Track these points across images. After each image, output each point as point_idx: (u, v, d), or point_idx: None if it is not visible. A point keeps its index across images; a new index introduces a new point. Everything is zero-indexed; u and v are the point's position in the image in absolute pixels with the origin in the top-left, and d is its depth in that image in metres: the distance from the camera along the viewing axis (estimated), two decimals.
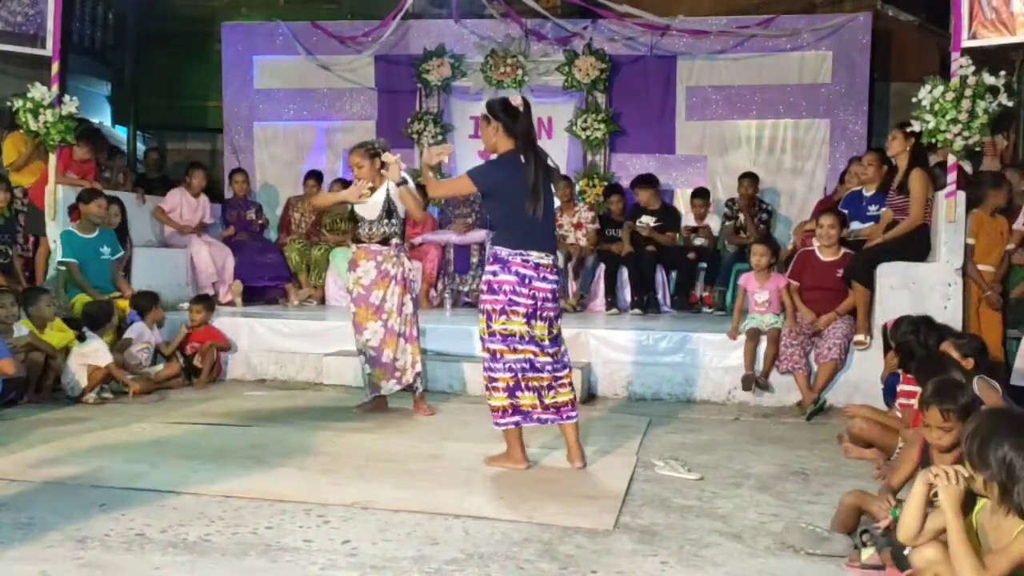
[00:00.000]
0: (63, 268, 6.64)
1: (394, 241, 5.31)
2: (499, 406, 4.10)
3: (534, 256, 4.07)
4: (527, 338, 4.06)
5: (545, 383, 4.11)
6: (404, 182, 5.05)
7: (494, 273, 4.06)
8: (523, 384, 4.08)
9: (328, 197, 5.38)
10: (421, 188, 5.24)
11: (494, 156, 4.22)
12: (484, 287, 4.11)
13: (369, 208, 5.29)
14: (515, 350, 4.06)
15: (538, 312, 4.08)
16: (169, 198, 8.24)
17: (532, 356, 4.08)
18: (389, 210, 5.27)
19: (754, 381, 5.89)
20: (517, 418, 4.10)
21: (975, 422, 2.53)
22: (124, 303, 6.60)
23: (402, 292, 5.30)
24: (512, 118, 4.14)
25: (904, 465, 3.38)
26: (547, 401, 4.12)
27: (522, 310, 4.05)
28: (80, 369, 5.73)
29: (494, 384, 4.09)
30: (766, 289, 6.01)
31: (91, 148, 7.57)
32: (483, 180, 4.17)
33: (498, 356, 4.07)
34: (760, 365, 5.94)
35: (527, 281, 4.05)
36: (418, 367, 5.40)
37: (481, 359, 4.22)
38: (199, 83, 10.42)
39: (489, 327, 4.07)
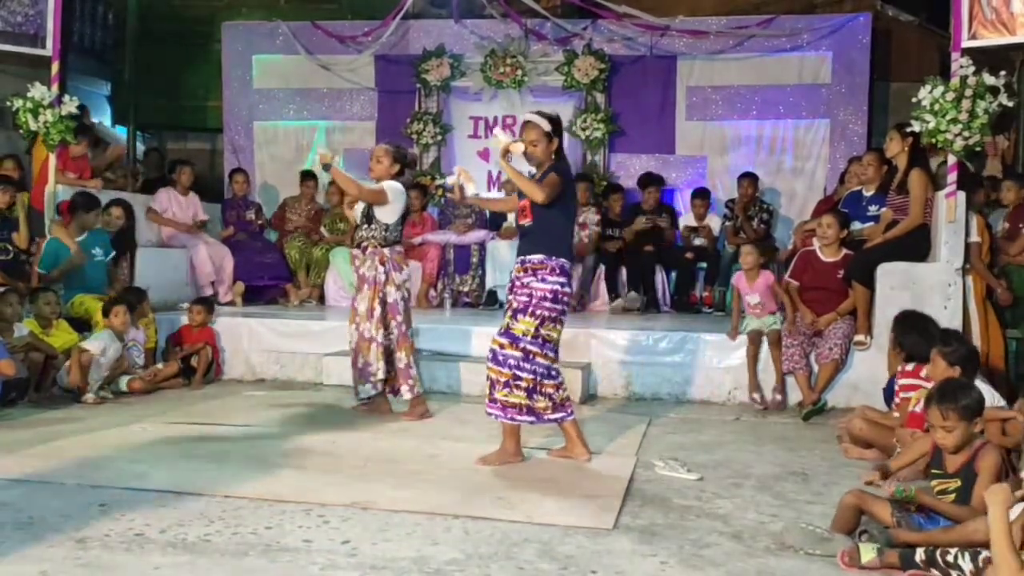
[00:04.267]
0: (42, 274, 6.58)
1: (363, 244, 5.30)
2: (517, 403, 4.19)
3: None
4: (554, 345, 4.26)
5: (555, 387, 4.25)
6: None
7: (562, 284, 4.20)
8: (539, 389, 4.21)
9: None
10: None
11: (535, 167, 4.32)
12: (549, 295, 4.16)
13: (356, 212, 5.39)
14: (546, 356, 4.23)
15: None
16: (158, 199, 8.19)
17: (551, 363, 4.26)
18: (368, 215, 5.28)
19: (766, 401, 5.83)
20: (532, 418, 4.23)
21: None
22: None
23: (372, 296, 5.26)
24: (562, 137, 4.36)
25: (909, 453, 3.38)
26: (557, 401, 4.26)
27: (565, 319, 4.29)
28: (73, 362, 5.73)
29: (517, 382, 4.17)
30: (755, 291, 6.01)
31: (86, 144, 7.55)
32: (568, 182, 4.27)
33: (531, 357, 4.18)
34: (762, 369, 5.90)
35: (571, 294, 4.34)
36: (381, 374, 5.26)
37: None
38: (199, 83, 10.40)
39: (537, 331, 4.17)
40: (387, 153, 5.35)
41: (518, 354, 4.16)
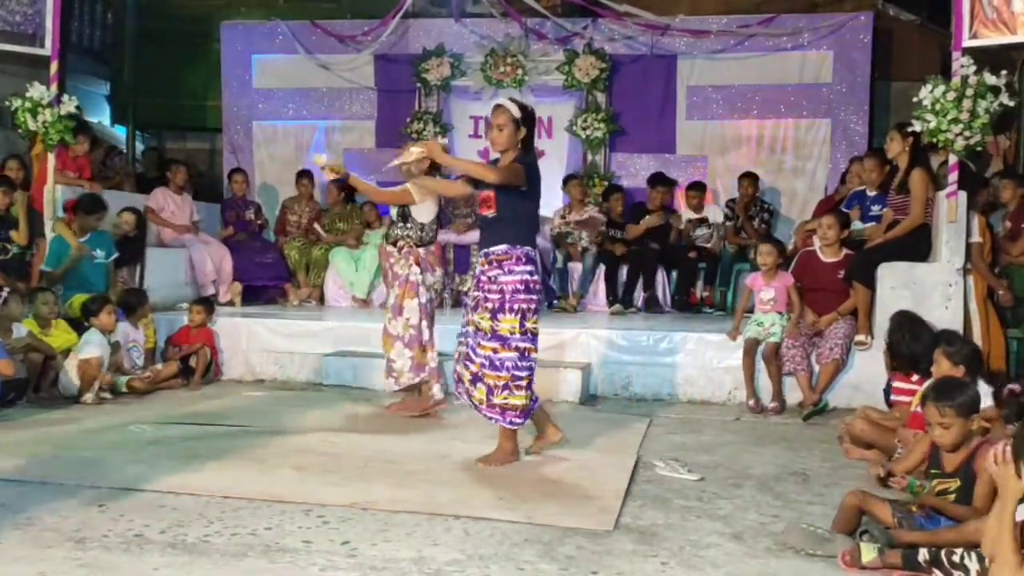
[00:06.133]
0: (47, 272, 6.57)
1: (399, 243, 5.30)
2: (521, 404, 4.15)
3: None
4: (537, 337, 4.23)
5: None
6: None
7: (531, 273, 4.13)
8: (532, 383, 4.22)
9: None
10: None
11: (500, 155, 4.23)
12: (520, 286, 4.10)
13: (392, 209, 5.43)
14: (536, 348, 4.21)
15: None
16: (154, 197, 8.17)
17: (536, 355, 4.24)
18: (403, 214, 5.29)
19: (762, 406, 5.79)
20: (525, 417, 4.23)
21: None
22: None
23: (402, 295, 5.26)
24: (534, 130, 4.26)
25: (913, 455, 3.37)
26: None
27: (540, 308, 4.25)
28: (73, 368, 5.70)
29: (518, 383, 4.12)
30: (772, 287, 5.97)
31: (87, 143, 7.55)
32: (533, 175, 4.18)
33: (526, 354, 4.14)
34: (760, 382, 5.87)
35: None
36: (407, 373, 5.27)
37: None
38: (198, 82, 10.39)
39: (523, 326, 4.11)
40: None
41: (513, 355, 4.11)
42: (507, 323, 4.10)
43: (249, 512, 3.40)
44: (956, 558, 2.70)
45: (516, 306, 4.10)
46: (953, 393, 3.17)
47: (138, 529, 3.18)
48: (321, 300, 8.58)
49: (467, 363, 4.24)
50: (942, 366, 4.02)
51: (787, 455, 4.58)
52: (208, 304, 6.84)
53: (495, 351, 4.12)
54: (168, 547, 3.01)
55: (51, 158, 6.93)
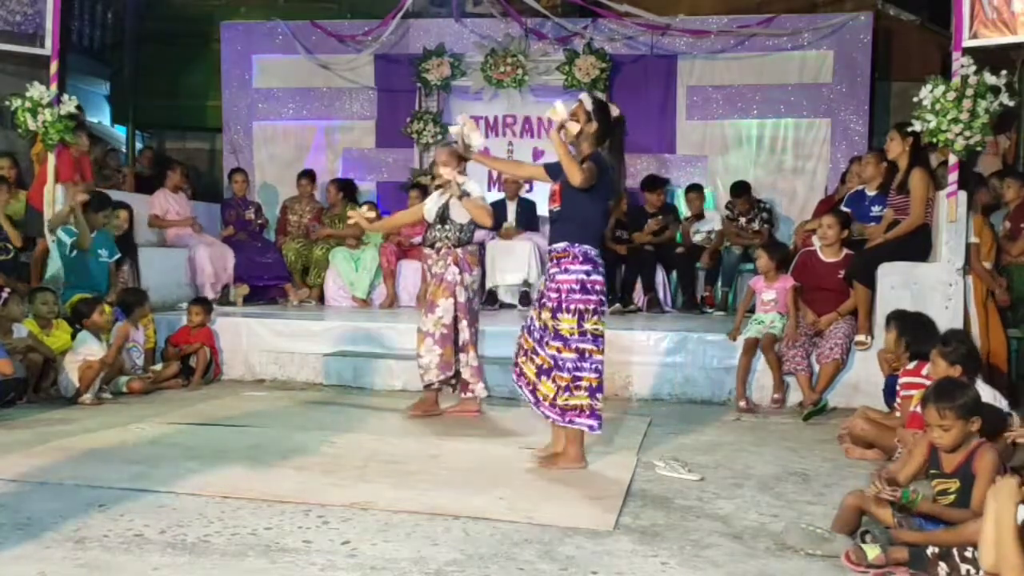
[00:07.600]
0: (72, 255, 6.55)
1: (437, 245, 5.29)
2: (578, 405, 4.05)
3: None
4: (603, 340, 4.12)
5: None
6: (465, 194, 5.08)
7: (587, 273, 4.05)
8: (602, 386, 4.12)
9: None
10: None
11: (572, 147, 4.15)
12: (576, 286, 4.02)
13: (430, 213, 5.37)
14: (600, 351, 4.09)
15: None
16: (156, 202, 8.18)
17: (602, 358, 4.13)
18: (443, 217, 5.28)
19: (750, 405, 5.77)
20: (594, 421, 4.09)
21: None
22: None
23: (436, 292, 5.25)
24: (610, 126, 4.14)
25: (913, 462, 3.37)
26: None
27: (604, 309, 4.14)
28: (74, 370, 5.70)
29: (577, 384, 4.04)
30: (774, 288, 5.98)
31: (87, 142, 7.56)
32: (603, 173, 4.07)
33: (587, 355, 4.05)
34: (760, 373, 5.88)
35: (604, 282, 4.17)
36: (434, 371, 5.25)
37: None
38: (198, 82, 10.41)
39: (581, 327, 4.03)
40: (451, 155, 5.19)
41: (574, 356, 4.03)
42: (566, 323, 4.04)
43: (249, 512, 3.39)
44: (968, 553, 2.70)
45: (572, 306, 4.03)
46: (954, 395, 3.16)
47: (138, 529, 3.18)
48: (321, 300, 8.60)
49: (532, 356, 4.17)
50: (939, 366, 4.01)
51: (787, 455, 4.58)
52: (206, 304, 6.83)
53: (558, 351, 4.06)
54: (168, 547, 3.01)
55: (51, 158, 6.93)
